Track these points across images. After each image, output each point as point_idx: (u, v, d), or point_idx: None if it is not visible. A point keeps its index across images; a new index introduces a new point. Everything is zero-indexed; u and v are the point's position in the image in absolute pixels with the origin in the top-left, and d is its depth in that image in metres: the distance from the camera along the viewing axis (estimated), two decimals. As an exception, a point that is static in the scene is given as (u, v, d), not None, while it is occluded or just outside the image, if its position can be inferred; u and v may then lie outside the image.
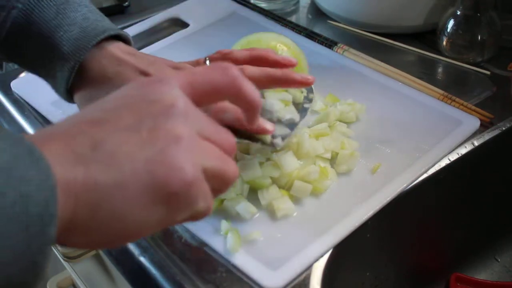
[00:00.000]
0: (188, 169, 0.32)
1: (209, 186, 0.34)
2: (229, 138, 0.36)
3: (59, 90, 0.55)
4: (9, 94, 0.69)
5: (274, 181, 0.54)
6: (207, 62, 0.57)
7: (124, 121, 0.32)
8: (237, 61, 0.55)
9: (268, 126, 0.46)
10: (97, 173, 0.31)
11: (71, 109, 0.66)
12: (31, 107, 0.67)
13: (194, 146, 0.33)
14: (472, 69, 0.74)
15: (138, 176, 0.31)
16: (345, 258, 0.53)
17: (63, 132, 0.32)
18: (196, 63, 0.57)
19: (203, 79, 0.35)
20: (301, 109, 0.58)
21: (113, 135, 0.32)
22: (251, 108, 0.39)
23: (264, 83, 0.52)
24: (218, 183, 0.35)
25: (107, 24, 0.54)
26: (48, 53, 0.53)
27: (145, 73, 0.52)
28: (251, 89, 0.37)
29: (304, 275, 0.49)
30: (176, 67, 0.54)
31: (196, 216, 0.34)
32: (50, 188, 0.29)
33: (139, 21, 0.84)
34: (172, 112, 0.32)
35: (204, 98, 0.35)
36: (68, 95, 0.55)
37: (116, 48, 0.54)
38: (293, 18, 0.86)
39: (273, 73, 0.53)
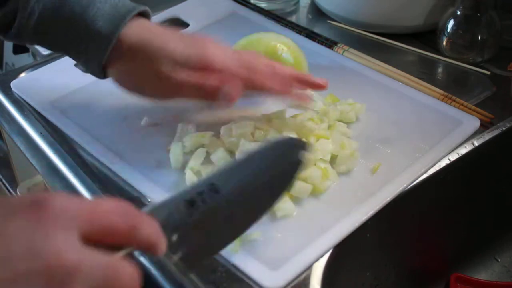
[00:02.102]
0: None
1: None
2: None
3: (91, 66, 0.57)
4: (9, 94, 0.69)
5: (274, 181, 0.54)
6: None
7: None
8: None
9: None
10: None
11: (70, 109, 0.66)
12: (31, 107, 0.67)
13: None
14: (472, 69, 0.74)
15: None
16: (345, 258, 0.53)
17: None
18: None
19: (102, 221, 0.32)
20: None
21: None
22: (150, 249, 0.36)
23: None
24: None
25: (130, 2, 0.57)
26: (81, 30, 0.55)
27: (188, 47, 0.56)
28: (149, 235, 0.35)
29: (304, 275, 0.49)
30: (218, 48, 0.58)
31: None
32: None
33: (139, 21, 0.84)
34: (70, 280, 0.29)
35: (100, 236, 0.33)
36: (102, 70, 0.57)
37: (148, 23, 0.58)
38: (293, 18, 0.86)
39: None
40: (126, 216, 0.33)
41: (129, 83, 0.59)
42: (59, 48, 0.60)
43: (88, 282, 0.30)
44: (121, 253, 0.34)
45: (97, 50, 0.56)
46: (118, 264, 0.33)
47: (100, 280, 0.31)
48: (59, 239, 0.29)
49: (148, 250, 0.36)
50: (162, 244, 0.36)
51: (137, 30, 0.56)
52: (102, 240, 0.32)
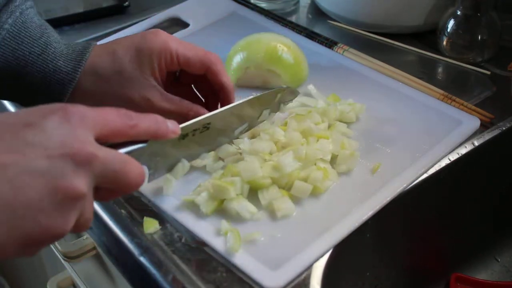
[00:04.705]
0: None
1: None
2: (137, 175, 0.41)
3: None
4: (9, 94, 0.69)
5: (274, 181, 0.54)
6: None
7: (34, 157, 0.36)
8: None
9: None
10: None
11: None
12: (31, 107, 0.67)
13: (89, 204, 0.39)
14: (472, 69, 0.74)
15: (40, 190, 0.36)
16: (345, 258, 0.53)
17: None
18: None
19: (110, 124, 0.41)
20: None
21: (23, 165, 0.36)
22: (154, 137, 0.45)
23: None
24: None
25: (80, 42, 0.58)
26: (40, 70, 0.55)
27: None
28: (148, 127, 0.44)
29: (304, 275, 0.49)
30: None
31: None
32: None
33: (139, 21, 0.84)
34: (81, 168, 0.37)
35: (109, 137, 0.41)
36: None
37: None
38: (293, 18, 0.87)
39: None
40: (128, 118, 0.42)
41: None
42: (12, 94, 0.58)
43: (102, 170, 0.38)
44: (128, 149, 0.44)
45: (59, 89, 0.55)
46: (128, 160, 0.41)
47: (112, 171, 0.39)
48: (83, 136, 0.38)
49: (153, 137, 0.45)
50: (162, 129, 0.45)
51: (101, 62, 0.56)
52: (111, 140, 0.41)
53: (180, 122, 0.52)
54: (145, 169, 0.44)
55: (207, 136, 0.55)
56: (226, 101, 0.58)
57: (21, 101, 0.58)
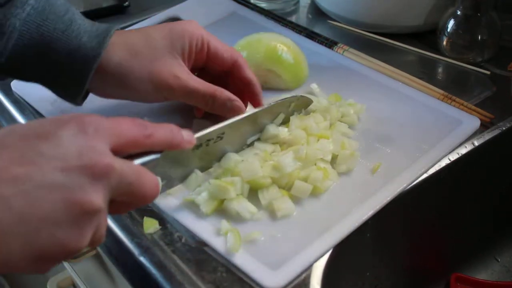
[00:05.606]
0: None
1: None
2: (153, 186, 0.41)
3: (71, 89, 0.56)
4: (9, 94, 0.69)
5: (274, 181, 0.54)
6: None
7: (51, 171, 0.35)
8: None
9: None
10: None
11: (70, 109, 0.66)
12: (31, 107, 0.67)
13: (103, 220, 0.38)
14: (472, 69, 0.74)
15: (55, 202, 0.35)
16: (345, 258, 0.53)
17: None
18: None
19: (126, 135, 0.40)
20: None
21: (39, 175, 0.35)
22: (170, 147, 0.44)
23: None
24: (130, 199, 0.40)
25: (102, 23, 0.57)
26: (65, 47, 0.54)
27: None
28: (164, 137, 0.43)
29: (304, 275, 0.49)
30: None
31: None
32: None
33: (139, 21, 0.84)
34: (99, 179, 0.36)
35: (125, 147, 0.40)
36: (82, 91, 0.56)
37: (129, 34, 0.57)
38: (293, 18, 0.87)
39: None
40: (143, 128, 0.41)
41: (120, 96, 0.59)
42: (35, 73, 0.56)
43: (118, 183, 0.37)
44: (142, 160, 0.43)
45: (83, 66, 0.54)
46: (143, 171, 0.40)
47: (128, 183, 0.38)
48: (100, 147, 0.37)
49: (168, 148, 0.44)
50: (177, 139, 0.44)
51: (117, 50, 0.55)
52: (126, 151, 0.40)
53: (206, 108, 0.55)
54: (159, 180, 0.43)
55: (220, 147, 0.55)
56: (254, 95, 0.57)
57: (44, 80, 0.57)
